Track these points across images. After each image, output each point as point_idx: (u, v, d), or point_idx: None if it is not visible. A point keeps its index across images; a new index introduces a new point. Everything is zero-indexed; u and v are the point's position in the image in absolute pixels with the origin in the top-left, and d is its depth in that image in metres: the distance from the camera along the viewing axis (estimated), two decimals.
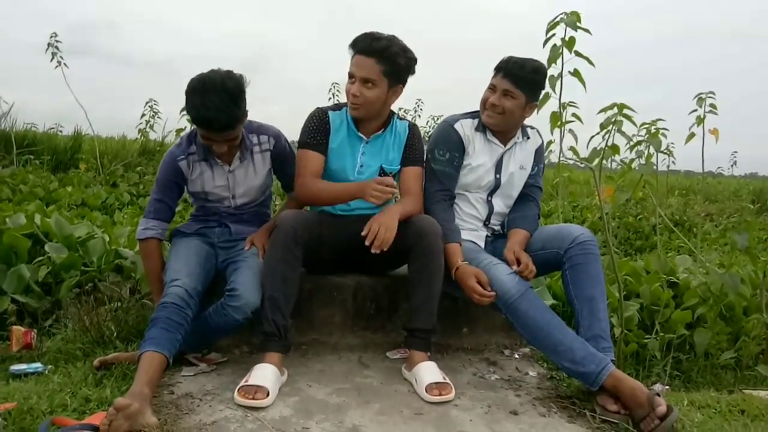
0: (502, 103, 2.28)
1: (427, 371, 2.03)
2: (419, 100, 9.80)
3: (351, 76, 2.22)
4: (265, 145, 2.32)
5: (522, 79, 2.25)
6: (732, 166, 10.39)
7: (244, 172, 2.29)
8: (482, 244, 2.36)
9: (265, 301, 2.01)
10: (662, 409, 1.73)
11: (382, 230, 2.03)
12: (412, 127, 2.39)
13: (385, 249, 2.03)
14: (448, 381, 2.01)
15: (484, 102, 2.35)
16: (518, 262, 2.15)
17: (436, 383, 1.97)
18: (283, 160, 2.37)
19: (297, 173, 2.28)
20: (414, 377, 2.05)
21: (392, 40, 2.19)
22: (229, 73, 2.05)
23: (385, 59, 2.17)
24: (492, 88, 2.32)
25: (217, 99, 1.97)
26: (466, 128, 2.38)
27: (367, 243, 2.03)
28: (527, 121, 2.50)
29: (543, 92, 2.34)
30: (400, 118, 2.40)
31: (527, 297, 2.04)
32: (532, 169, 2.49)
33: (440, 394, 1.95)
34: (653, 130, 2.87)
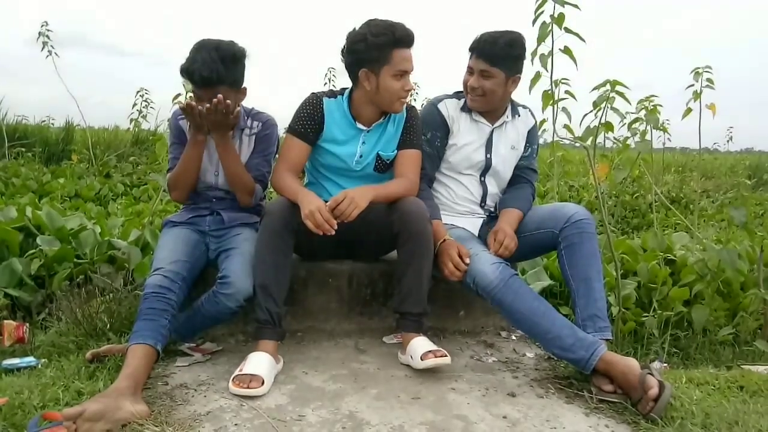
0: (482, 85, 2.24)
1: (420, 344, 2.03)
2: (415, 83, 9.74)
3: (471, 70, 2.24)
4: (254, 130, 2.32)
5: (496, 56, 2.20)
6: (728, 141, 10.34)
7: None
8: (476, 231, 2.33)
9: (257, 289, 1.99)
10: (654, 391, 1.71)
11: (346, 202, 1.99)
12: (410, 110, 2.31)
13: (348, 220, 1.99)
14: (441, 348, 2.00)
15: (465, 86, 2.32)
16: (494, 243, 2.15)
17: (429, 350, 1.97)
18: (259, 144, 2.31)
19: (278, 158, 2.25)
20: (409, 354, 2.04)
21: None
22: (230, 41, 2.16)
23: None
24: (469, 70, 2.28)
25: (206, 55, 2.08)
26: (450, 108, 2.35)
27: (327, 210, 1.98)
28: (520, 100, 2.46)
29: (524, 62, 2.28)
30: None
31: (510, 286, 2.00)
32: (525, 150, 2.45)
33: (435, 357, 1.95)
34: (650, 107, 2.85)
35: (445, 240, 2.15)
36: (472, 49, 2.27)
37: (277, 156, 2.35)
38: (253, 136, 2.31)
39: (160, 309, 1.91)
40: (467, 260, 2.08)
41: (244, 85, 2.21)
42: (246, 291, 1.98)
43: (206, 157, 2.29)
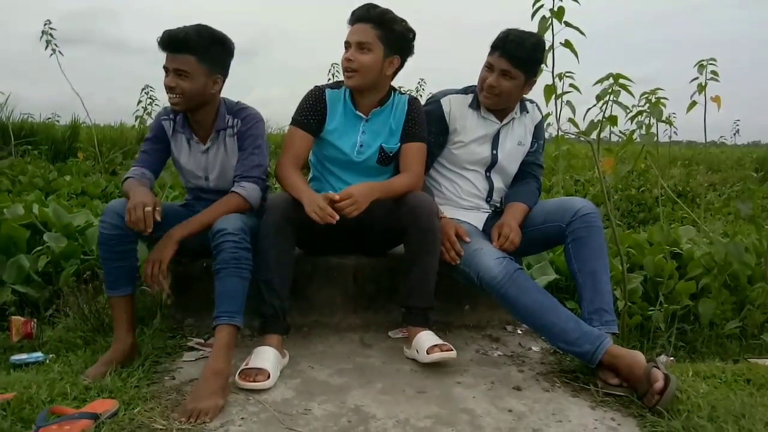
0: (500, 84, 2.21)
1: (426, 338, 2.03)
2: (422, 79, 9.73)
3: (347, 45, 2.18)
4: (235, 129, 2.20)
5: (521, 59, 2.18)
6: (734, 134, 10.28)
7: (216, 153, 2.20)
8: (480, 226, 2.33)
9: (261, 284, 1.99)
10: (659, 384, 1.71)
11: (348, 202, 2.00)
12: (413, 101, 2.30)
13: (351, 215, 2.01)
14: (447, 343, 2.01)
15: (481, 82, 2.28)
16: (499, 237, 2.16)
17: (435, 344, 1.98)
18: (243, 142, 2.19)
19: (282, 150, 2.24)
20: (415, 348, 2.04)
21: (389, 9, 2.16)
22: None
23: (381, 24, 2.14)
24: (489, 67, 2.24)
25: (185, 26, 2.04)
26: (454, 104, 2.33)
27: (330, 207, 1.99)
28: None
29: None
30: (401, 93, 2.32)
31: (515, 281, 1.98)
32: (532, 146, 2.44)
33: (441, 351, 1.96)
34: (653, 100, 2.84)
35: (441, 218, 2.15)
36: (495, 47, 2.21)
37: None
38: (235, 136, 2.19)
39: (120, 252, 1.97)
40: (467, 239, 2.11)
41: (223, 78, 2.13)
42: (239, 227, 1.90)
43: (193, 162, 2.23)
